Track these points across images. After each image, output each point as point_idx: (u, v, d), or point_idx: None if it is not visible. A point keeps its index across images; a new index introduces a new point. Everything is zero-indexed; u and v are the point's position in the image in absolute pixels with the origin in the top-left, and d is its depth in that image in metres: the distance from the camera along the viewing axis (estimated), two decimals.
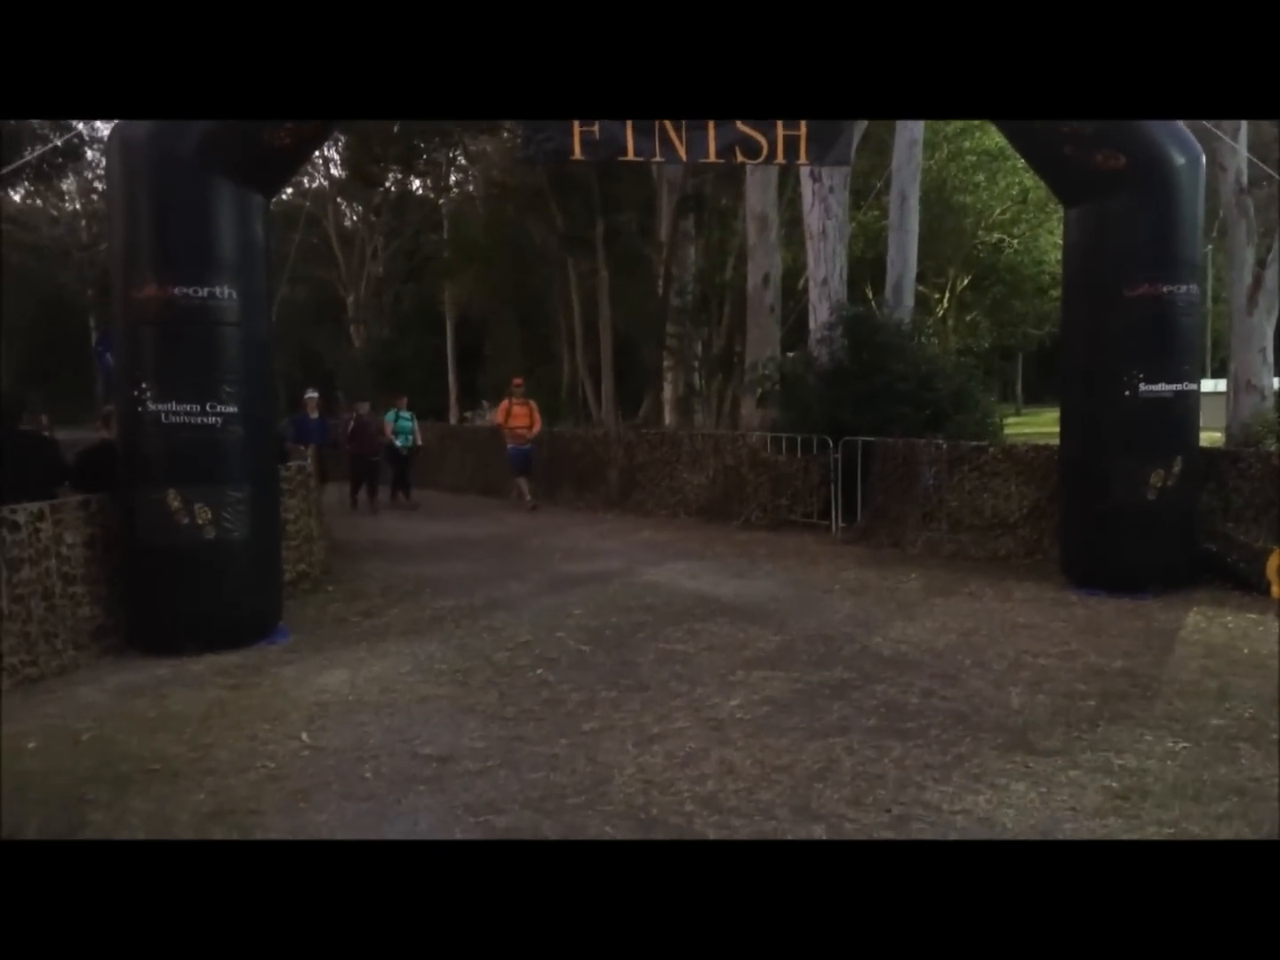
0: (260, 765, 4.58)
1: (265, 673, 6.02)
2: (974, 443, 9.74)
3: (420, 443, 14.71)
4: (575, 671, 5.98)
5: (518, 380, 14.71)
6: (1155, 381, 7.40)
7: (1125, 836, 3.72)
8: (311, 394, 13.31)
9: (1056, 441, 8.64)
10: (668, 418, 18.79)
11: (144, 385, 6.25)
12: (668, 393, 19.09)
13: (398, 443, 14.12)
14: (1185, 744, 4.60)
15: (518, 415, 13.72)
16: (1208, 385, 15.62)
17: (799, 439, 10.94)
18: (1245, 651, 6.08)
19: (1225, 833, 3.72)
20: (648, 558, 9.61)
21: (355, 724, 5.12)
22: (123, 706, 5.46)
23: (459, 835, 3.85)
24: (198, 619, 6.37)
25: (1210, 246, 18.40)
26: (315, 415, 13.03)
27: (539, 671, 6.00)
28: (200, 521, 6.33)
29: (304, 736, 4.93)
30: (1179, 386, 7.48)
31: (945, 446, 9.62)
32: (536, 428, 13.87)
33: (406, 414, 14.51)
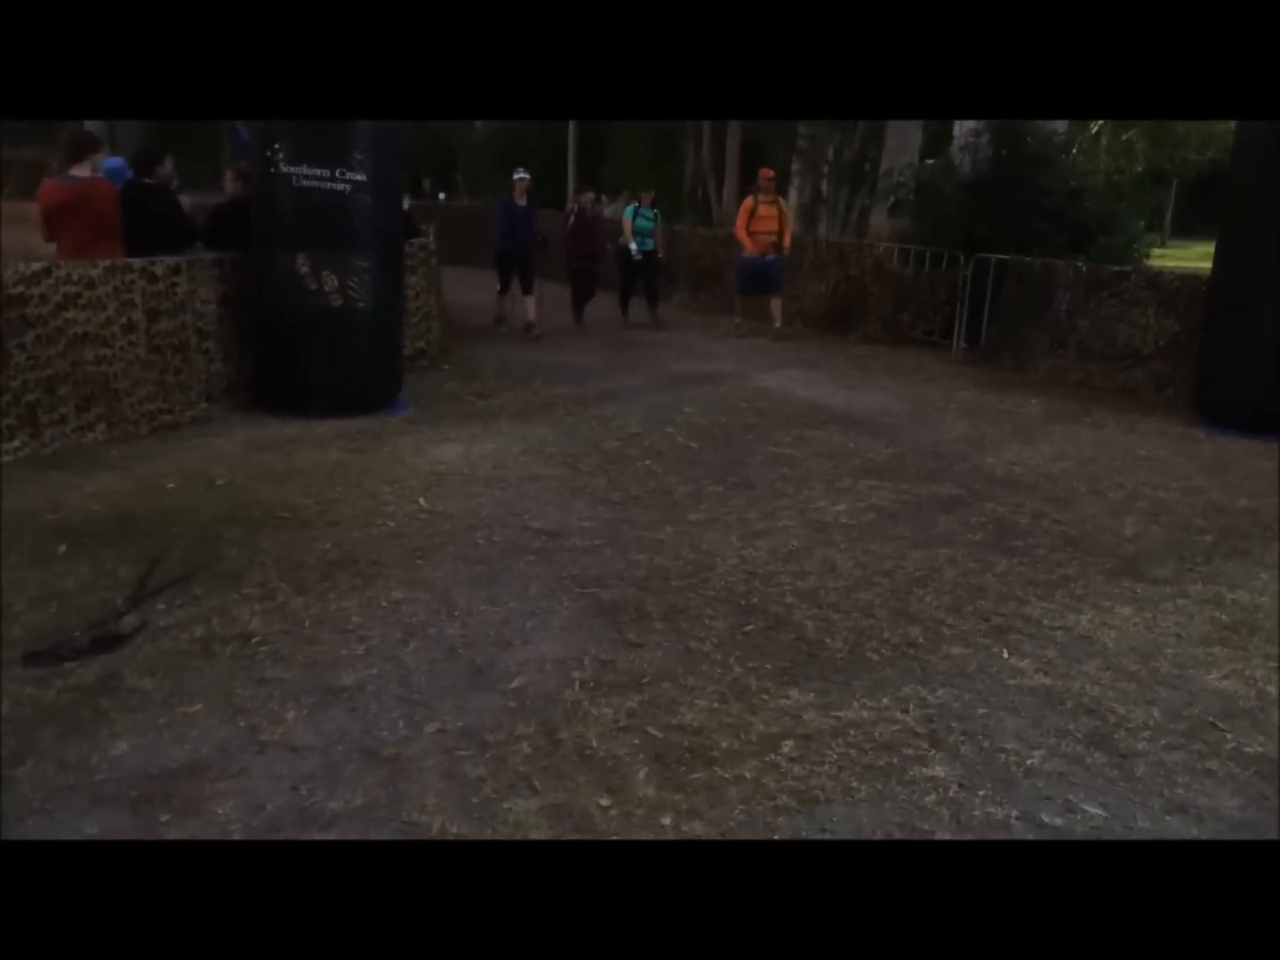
0: (381, 523, 4.81)
1: (385, 440, 6.23)
2: (1116, 267, 9.24)
3: (662, 251, 11.86)
4: (683, 465, 6.05)
5: (766, 171, 11.45)
6: None
7: (1230, 666, 3.71)
8: (521, 174, 10.68)
9: (1203, 273, 8.16)
10: (792, 225, 18.19)
11: (276, 147, 6.26)
12: (793, 199, 18.42)
13: (632, 245, 11.27)
14: None
15: (763, 217, 10.85)
16: None
17: (928, 252, 10.51)
18: None
19: None
20: (761, 363, 9.51)
21: (469, 494, 5.30)
22: (253, 458, 5.74)
23: (565, 604, 4.03)
24: (323, 383, 6.57)
25: None
26: (523, 202, 10.54)
27: (647, 463, 6.08)
28: (327, 288, 6.44)
29: (421, 501, 5.14)
30: None
31: (1085, 269, 9.15)
32: (787, 236, 11.06)
33: (649, 211, 11.51)
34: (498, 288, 10.71)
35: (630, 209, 11.67)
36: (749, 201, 11.06)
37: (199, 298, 6.42)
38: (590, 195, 11.73)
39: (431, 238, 8.87)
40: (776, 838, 2.67)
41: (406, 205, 8.90)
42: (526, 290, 10.58)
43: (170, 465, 5.53)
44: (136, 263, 6.05)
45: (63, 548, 4.30)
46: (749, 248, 10.88)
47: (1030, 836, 2.72)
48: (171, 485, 5.20)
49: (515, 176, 10.64)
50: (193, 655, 3.49)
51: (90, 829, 2.57)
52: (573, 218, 11.31)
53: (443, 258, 9.35)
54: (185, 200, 7.50)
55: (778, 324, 11.03)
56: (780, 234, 10.94)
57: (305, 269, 6.36)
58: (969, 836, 2.71)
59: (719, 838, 2.66)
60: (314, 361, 6.53)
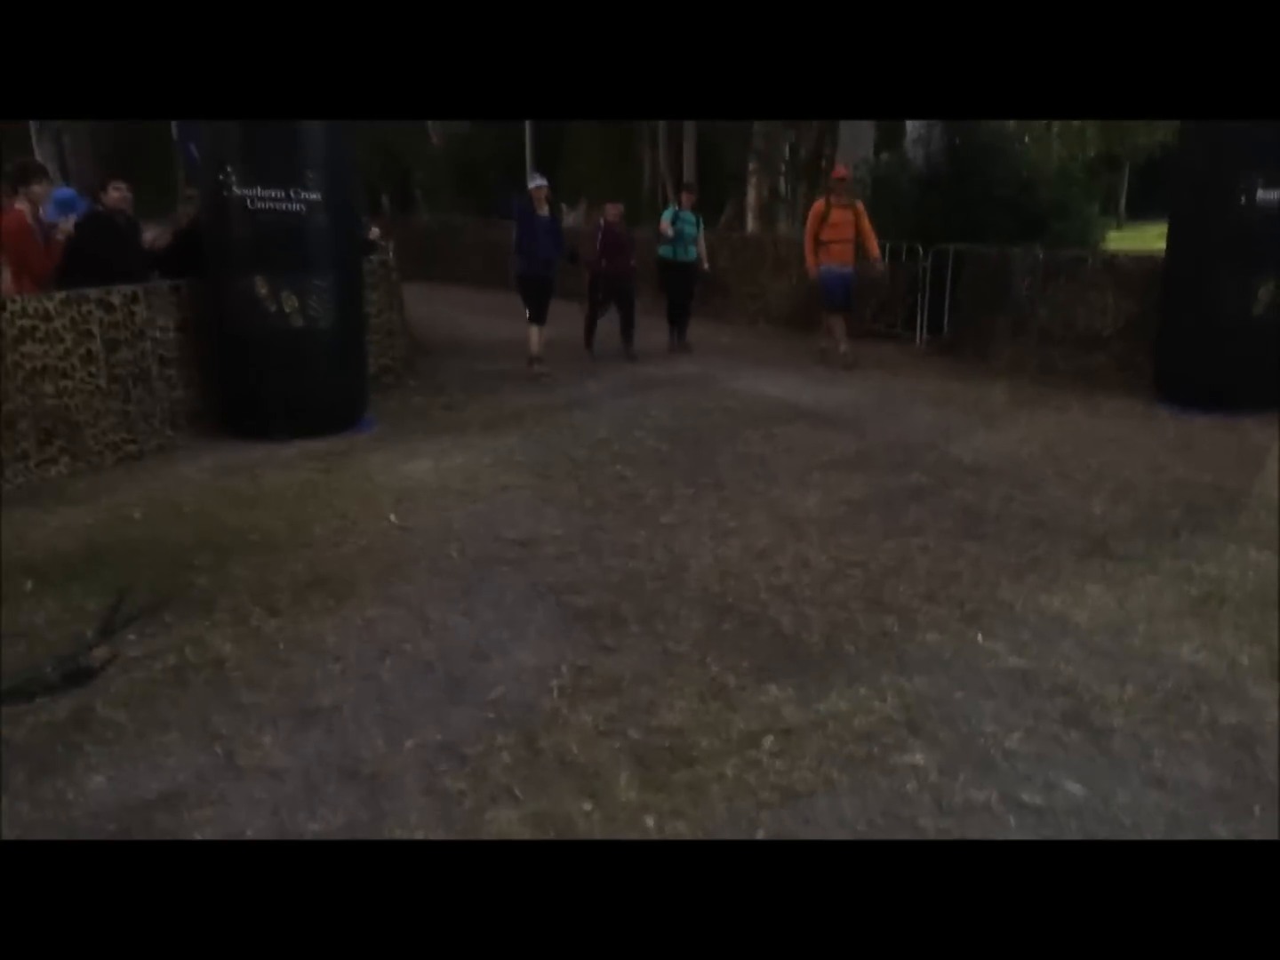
0: (352, 541, 4.78)
1: (354, 458, 6.20)
2: (1072, 253, 9.34)
3: (705, 261, 10.29)
4: (653, 469, 6.06)
5: (840, 170, 9.81)
6: (1272, 187, 6.96)
7: (1201, 639, 3.75)
8: (539, 181, 8.96)
9: (1159, 254, 8.25)
10: (750, 224, 18.27)
11: (229, 169, 6.22)
12: (751, 198, 18.50)
13: (669, 253, 9.96)
14: (1269, 555, 4.55)
15: (837, 224, 9.19)
16: None
17: (887, 246, 10.56)
18: None
19: None
20: (726, 363, 9.52)
21: (440, 509, 5.28)
22: (220, 484, 5.69)
23: (540, 613, 4.02)
24: (287, 405, 6.52)
25: None
26: (544, 212, 8.89)
27: (617, 468, 6.08)
28: (287, 309, 6.40)
29: (392, 518, 5.11)
30: None
31: (1041, 256, 9.24)
32: (874, 242, 9.33)
33: (690, 215, 9.98)
34: (527, 316, 8.98)
35: (669, 212, 10.09)
36: (819, 205, 9.30)
37: (157, 325, 6.36)
38: (619, 208, 9.83)
39: (391, 254, 8.83)
40: (761, 836, 2.68)
41: (375, 234, 8.84)
42: (539, 320, 8.93)
43: (136, 495, 5.48)
44: (93, 293, 5.99)
45: (29, 584, 4.25)
46: (812, 266, 9.34)
47: (1012, 818, 2.74)
48: (138, 515, 5.15)
49: (532, 185, 8.95)
50: (166, 684, 3.46)
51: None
52: (600, 234, 9.69)
53: (403, 274, 9.30)
54: (149, 233, 7.40)
55: (843, 348, 9.33)
56: (862, 241, 9.29)
57: (264, 291, 6.32)
58: (951, 821, 2.73)
59: (704, 838, 2.66)
60: (277, 383, 6.48)
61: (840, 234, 9.21)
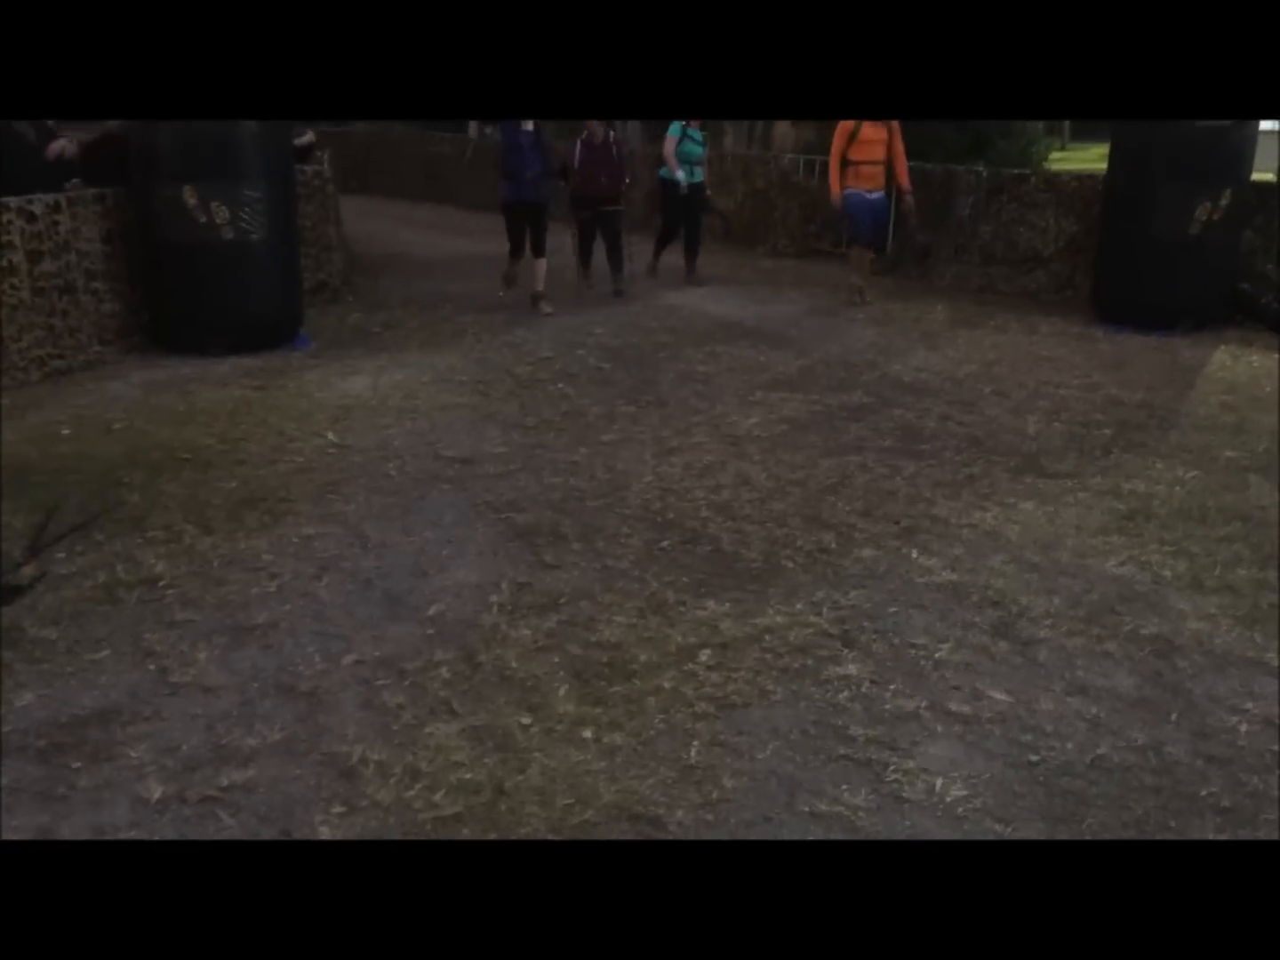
0: (288, 459, 4.71)
1: (289, 375, 6.08)
2: (1015, 170, 9.33)
3: (710, 187, 9.53)
4: (595, 387, 6.02)
5: None
6: None
7: (1127, 553, 3.85)
8: None
9: (1100, 174, 8.28)
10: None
11: None
12: None
13: (679, 174, 8.86)
14: (1195, 472, 4.66)
15: (867, 143, 8.01)
16: (1266, 124, 14.68)
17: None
18: (1267, 390, 6.06)
19: (1224, 554, 3.84)
20: (670, 281, 9.43)
21: (379, 427, 5.22)
22: (151, 400, 5.56)
23: (480, 530, 4.01)
24: (220, 319, 6.36)
25: None
26: (529, 126, 7.77)
27: (559, 386, 6.03)
28: (218, 221, 6.20)
29: (330, 435, 5.04)
30: None
31: (985, 174, 9.22)
32: (904, 169, 8.17)
33: (698, 133, 8.99)
34: (508, 247, 8.25)
35: (677, 128, 8.94)
36: (848, 124, 8.06)
37: (83, 236, 6.14)
38: (605, 122, 8.59)
39: (326, 165, 8.56)
40: (696, 746, 2.73)
41: (308, 139, 8.50)
42: (538, 251, 8.09)
43: (64, 412, 5.33)
44: (13, 202, 5.75)
45: None
46: (836, 189, 8.19)
47: (939, 726, 2.82)
48: (66, 432, 5.03)
49: None
50: (97, 602, 3.41)
51: None
52: (580, 148, 8.50)
53: (341, 186, 9.04)
54: (59, 141, 7.07)
55: (860, 283, 8.46)
56: (893, 164, 8.14)
57: (193, 201, 6.11)
58: (881, 729, 2.80)
59: (640, 749, 2.71)
60: (209, 297, 6.31)
61: (871, 154, 8.05)
